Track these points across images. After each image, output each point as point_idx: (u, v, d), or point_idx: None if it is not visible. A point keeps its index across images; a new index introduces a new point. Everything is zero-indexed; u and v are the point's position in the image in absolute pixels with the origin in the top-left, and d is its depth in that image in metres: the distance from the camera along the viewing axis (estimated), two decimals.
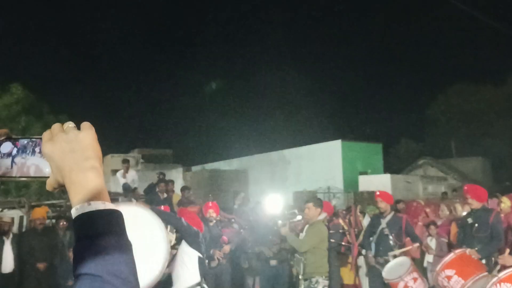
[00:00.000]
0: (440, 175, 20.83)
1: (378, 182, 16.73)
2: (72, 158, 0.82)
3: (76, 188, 0.80)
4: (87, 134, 0.85)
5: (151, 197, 9.16)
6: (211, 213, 6.63)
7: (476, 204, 5.36)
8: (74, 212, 0.79)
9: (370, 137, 21.50)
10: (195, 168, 23.27)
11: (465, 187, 5.68)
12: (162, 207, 6.66)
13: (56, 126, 0.86)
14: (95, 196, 0.79)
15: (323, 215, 5.81)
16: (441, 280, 4.97)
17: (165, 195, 9.30)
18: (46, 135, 0.86)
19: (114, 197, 11.87)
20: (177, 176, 19.66)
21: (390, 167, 19.99)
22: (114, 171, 14.97)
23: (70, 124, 0.86)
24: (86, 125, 0.87)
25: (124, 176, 10.06)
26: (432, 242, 7.23)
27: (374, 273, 6.01)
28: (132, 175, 10.18)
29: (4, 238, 6.63)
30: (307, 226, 5.50)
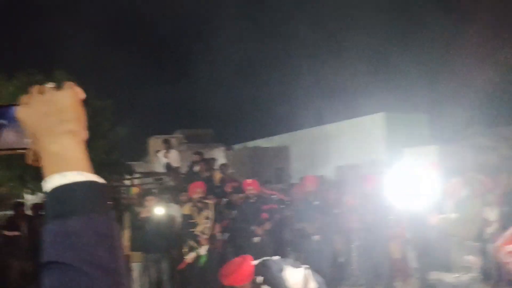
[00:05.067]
0: (492, 145, 19.88)
1: (424, 154, 16.21)
2: (46, 122, 0.69)
3: (49, 157, 0.68)
4: (66, 94, 0.72)
5: (192, 176, 9.23)
6: (251, 190, 6.60)
7: None
8: (44, 186, 0.66)
9: (415, 107, 20.71)
10: (236, 147, 23.42)
11: None
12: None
13: (34, 88, 0.73)
14: (71, 166, 0.66)
15: None
16: (502, 255, 4.69)
17: (207, 173, 9.36)
18: (23, 98, 0.73)
19: (158, 177, 12.11)
20: (219, 155, 19.82)
21: (437, 138, 19.25)
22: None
23: (49, 85, 0.74)
24: (67, 84, 0.74)
25: (165, 156, 10.22)
26: (493, 212, 6.84)
27: None
28: (173, 154, 10.31)
29: None
30: None
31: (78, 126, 0.72)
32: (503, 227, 5.61)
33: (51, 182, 0.65)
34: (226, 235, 7.20)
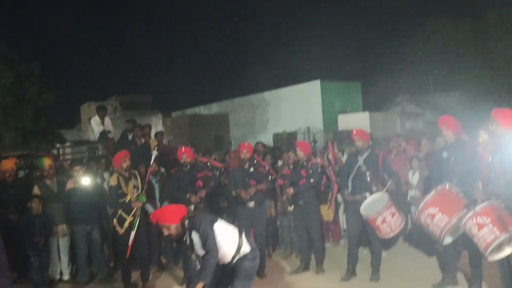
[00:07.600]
0: (418, 111, 20.97)
1: (357, 120, 16.83)
2: None
3: None
4: None
5: (126, 144, 9.01)
6: (185, 158, 6.55)
7: (451, 136, 5.23)
8: None
9: (348, 76, 21.30)
10: (175, 114, 23.04)
11: (440, 119, 5.48)
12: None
13: None
14: None
15: None
16: (424, 218, 4.77)
17: (143, 140, 9.19)
18: None
19: (92, 146, 11.69)
20: (157, 122, 19.42)
21: (369, 105, 19.99)
22: None
23: None
24: None
25: (100, 124, 9.86)
26: (415, 177, 7.24)
27: (351, 210, 6.07)
28: (107, 122, 9.98)
29: None
30: None
31: None
32: (424, 191, 5.92)
33: None
34: (166, 203, 7.13)
